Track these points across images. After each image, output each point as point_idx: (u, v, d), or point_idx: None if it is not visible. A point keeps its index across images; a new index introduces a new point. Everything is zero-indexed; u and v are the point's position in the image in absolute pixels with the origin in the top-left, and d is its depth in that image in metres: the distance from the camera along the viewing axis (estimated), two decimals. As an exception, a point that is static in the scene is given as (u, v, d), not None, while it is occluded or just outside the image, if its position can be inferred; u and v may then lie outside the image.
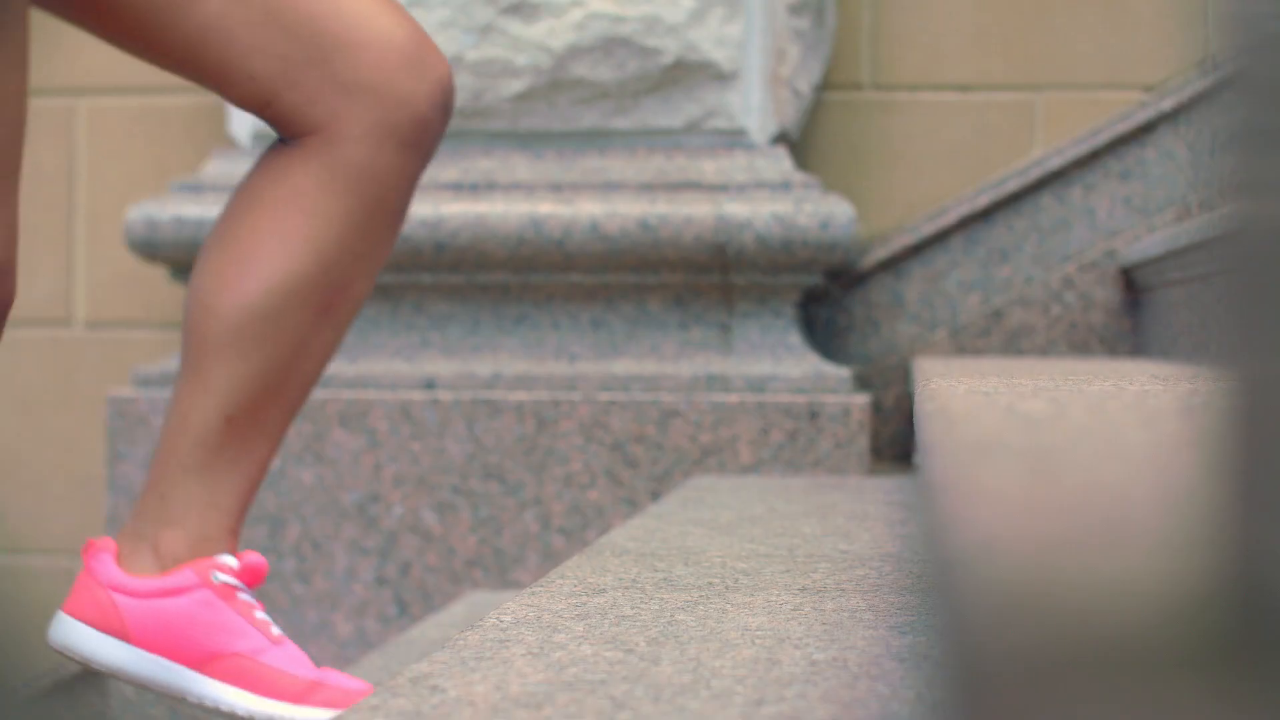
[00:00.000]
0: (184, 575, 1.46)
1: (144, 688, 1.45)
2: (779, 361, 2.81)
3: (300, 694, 1.45)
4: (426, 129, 1.49)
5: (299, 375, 1.47)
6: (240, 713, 1.45)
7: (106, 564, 1.47)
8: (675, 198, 2.81)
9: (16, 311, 3.22)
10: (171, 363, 2.90)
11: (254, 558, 1.48)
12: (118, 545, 1.48)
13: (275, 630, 1.47)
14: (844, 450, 2.75)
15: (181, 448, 1.47)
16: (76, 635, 1.48)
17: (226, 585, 1.46)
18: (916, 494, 2.31)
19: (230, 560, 1.46)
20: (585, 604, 1.38)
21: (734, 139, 2.89)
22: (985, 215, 3.06)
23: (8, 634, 1.56)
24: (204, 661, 1.45)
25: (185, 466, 1.47)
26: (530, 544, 2.75)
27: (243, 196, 1.48)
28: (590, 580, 1.51)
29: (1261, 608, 0.45)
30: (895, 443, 3.03)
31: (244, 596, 1.47)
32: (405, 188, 1.49)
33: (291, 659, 1.46)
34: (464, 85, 2.86)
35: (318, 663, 2.77)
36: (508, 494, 2.76)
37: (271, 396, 1.47)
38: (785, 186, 2.83)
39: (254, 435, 1.47)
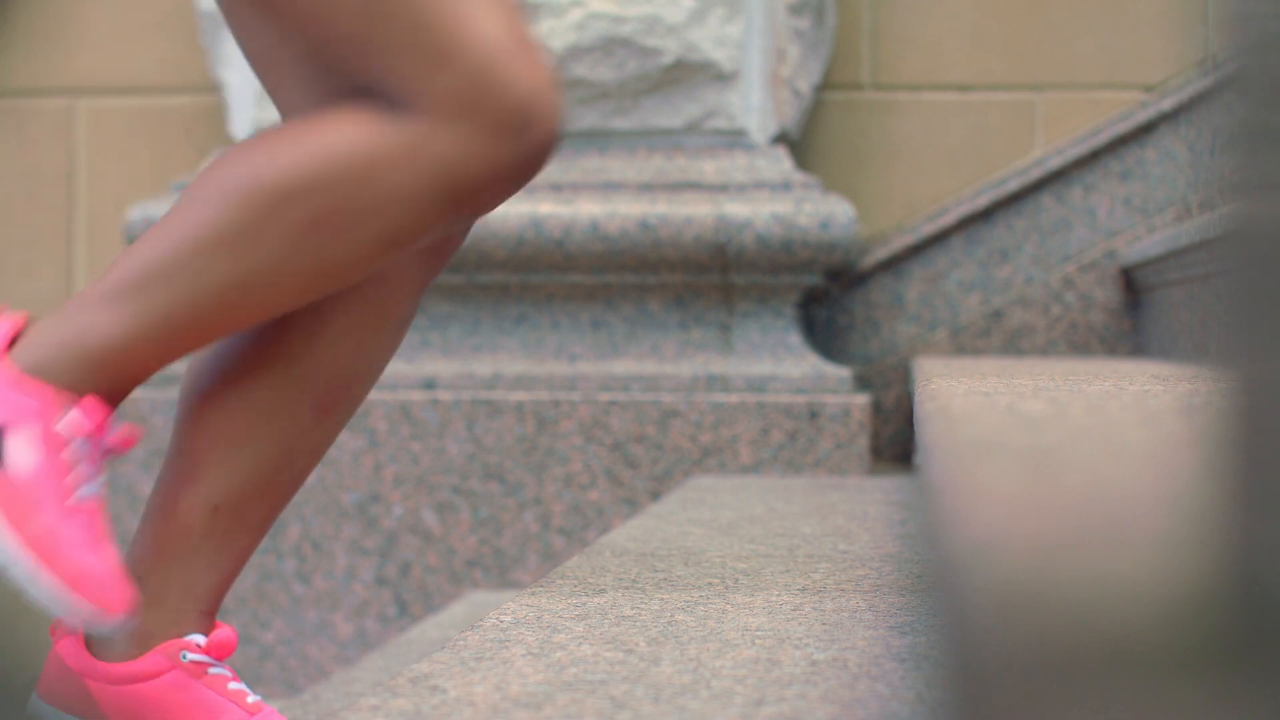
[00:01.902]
0: (153, 660, 1.45)
1: None
2: (779, 361, 2.81)
3: None
4: (449, 243, 1.49)
5: (290, 472, 1.47)
6: None
7: (74, 648, 1.46)
8: (675, 198, 2.81)
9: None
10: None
11: (223, 633, 1.46)
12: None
13: (251, 698, 1.46)
14: (844, 450, 2.75)
15: (163, 533, 1.46)
16: None
17: (196, 663, 1.45)
18: (916, 494, 2.31)
19: (198, 638, 1.45)
20: (585, 604, 1.38)
21: (734, 139, 2.89)
22: (985, 215, 3.06)
23: (8, 634, 1.55)
24: None
25: (165, 552, 1.46)
26: (530, 544, 2.75)
27: None
28: (590, 580, 1.51)
29: (1261, 608, 0.45)
30: (895, 443, 3.03)
31: (215, 670, 1.46)
32: (414, 297, 1.48)
33: None
34: (464, 85, 2.86)
35: (318, 664, 2.77)
36: (508, 494, 2.76)
37: (260, 491, 1.46)
38: (785, 186, 2.83)
39: (238, 527, 1.46)
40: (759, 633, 1.27)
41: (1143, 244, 2.85)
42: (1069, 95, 3.09)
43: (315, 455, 1.48)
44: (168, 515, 1.46)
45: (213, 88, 3.12)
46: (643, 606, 1.37)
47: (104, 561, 1.36)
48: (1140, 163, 3.05)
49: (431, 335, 2.85)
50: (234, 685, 1.46)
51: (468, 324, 2.85)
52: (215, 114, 3.16)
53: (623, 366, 2.81)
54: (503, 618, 1.32)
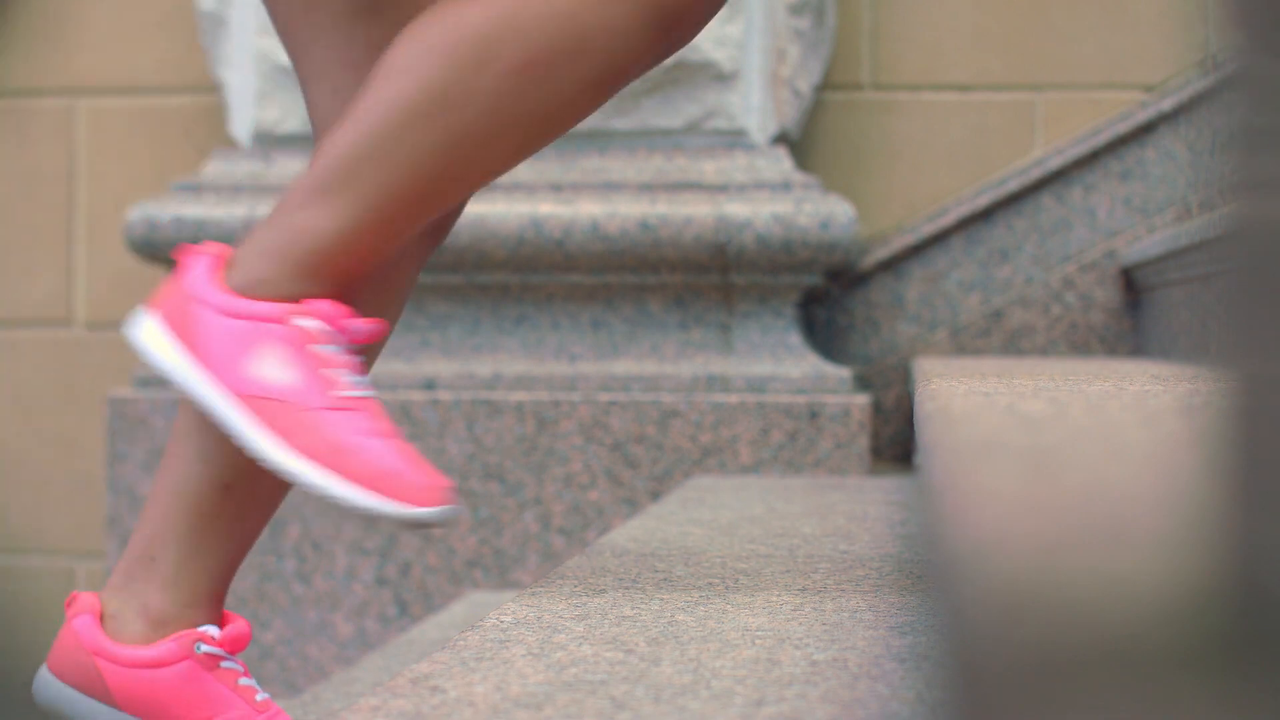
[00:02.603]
0: (167, 648, 1.44)
1: None
2: (779, 362, 2.81)
3: None
4: (447, 217, 1.50)
5: None
6: None
7: (89, 626, 1.46)
8: (675, 198, 2.81)
9: (16, 311, 3.22)
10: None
11: (238, 627, 1.46)
12: (102, 603, 1.47)
13: (259, 696, 1.46)
14: (844, 450, 2.75)
15: (175, 512, 1.45)
16: (62, 697, 1.47)
17: (209, 655, 1.45)
18: (916, 494, 2.31)
19: (213, 630, 1.45)
20: (585, 604, 1.38)
21: (734, 139, 2.89)
22: (985, 215, 3.06)
23: (8, 634, 1.55)
24: None
25: (178, 531, 1.45)
26: (530, 544, 2.75)
27: None
28: (590, 580, 1.51)
29: (1261, 608, 0.45)
30: (895, 443, 3.03)
31: (227, 664, 1.46)
32: (416, 270, 1.49)
33: None
34: (464, 85, 2.86)
35: (318, 664, 2.77)
36: (508, 494, 2.76)
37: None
38: (785, 186, 2.83)
39: (251, 503, 1.46)
40: (759, 633, 1.27)
41: (1143, 244, 2.85)
42: (1069, 95, 3.09)
43: None
44: (179, 495, 1.45)
45: (213, 88, 3.12)
46: (643, 606, 1.37)
47: (397, 454, 1.34)
48: (1140, 163, 3.05)
49: (431, 335, 2.85)
50: (244, 681, 1.46)
51: (468, 324, 2.85)
52: (215, 114, 3.16)
53: (623, 366, 2.81)
54: (503, 618, 1.32)
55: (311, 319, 1.36)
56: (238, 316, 1.37)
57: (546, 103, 1.34)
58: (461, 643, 1.22)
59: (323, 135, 1.45)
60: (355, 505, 1.32)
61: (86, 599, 1.47)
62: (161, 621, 1.45)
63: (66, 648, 1.47)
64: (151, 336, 1.39)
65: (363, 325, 1.38)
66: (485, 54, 1.33)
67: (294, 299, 1.37)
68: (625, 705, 1.04)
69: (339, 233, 1.36)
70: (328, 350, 1.36)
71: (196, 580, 1.46)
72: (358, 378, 1.38)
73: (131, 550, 1.47)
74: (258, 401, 1.35)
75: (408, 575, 2.76)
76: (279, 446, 1.34)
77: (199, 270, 1.39)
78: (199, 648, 1.44)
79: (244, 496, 1.45)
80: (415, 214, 1.37)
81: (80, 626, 1.46)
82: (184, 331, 1.38)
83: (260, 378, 1.36)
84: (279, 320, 1.36)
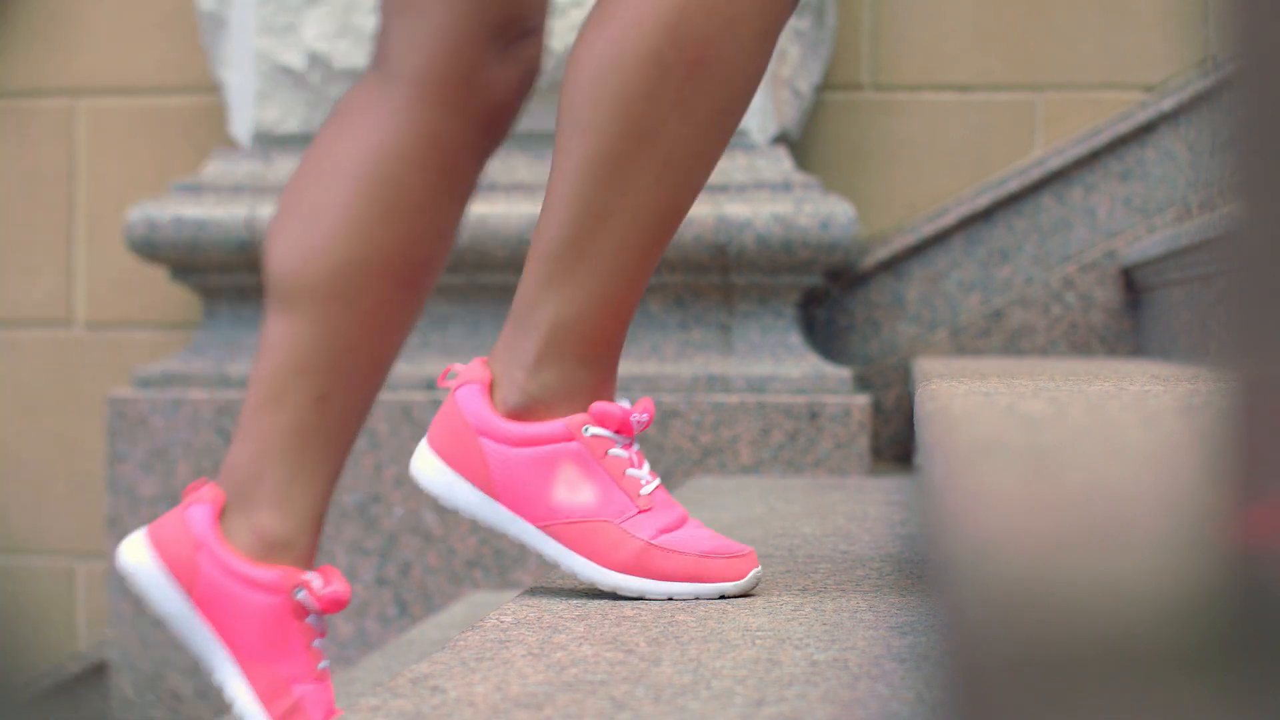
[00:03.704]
0: (270, 576, 1.43)
1: (182, 643, 1.44)
2: (779, 362, 2.81)
3: None
4: (506, 114, 1.47)
5: (385, 350, 1.46)
6: None
7: (205, 520, 1.45)
8: (675, 198, 2.81)
9: (16, 311, 3.22)
10: (172, 363, 2.89)
11: (338, 590, 1.44)
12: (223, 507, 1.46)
13: (322, 664, 1.46)
14: (844, 450, 2.75)
15: (277, 428, 1.44)
16: (147, 574, 1.46)
17: (301, 605, 1.44)
18: (916, 494, 2.31)
19: (317, 583, 1.44)
20: (585, 604, 1.38)
21: (734, 139, 2.89)
22: (985, 215, 3.06)
23: (8, 634, 1.55)
24: (247, 661, 1.44)
25: (281, 448, 1.44)
26: (530, 544, 2.75)
27: (321, 156, 1.45)
28: (590, 580, 1.51)
29: (1261, 608, 0.45)
30: (895, 443, 3.03)
31: (310, 620, 1.45)
32: (477, 166, 1.46)
33: (315, 702, 1.45)
34: (464, 85, 2.86)
35: (318, 663, 2.78)
36: (508, 494, 2.76)
37: (361, 373, 1.45)
38: (785, 187, 2.83)
39: (345, 415, 1.45)
40: (759, 633, 1.27)
41: (1143, 244, 2.85)
42: (1069, 95, 3.09)
43: (405, 332, 1.47)
44: (278, 410, 1.44)
45: (213, 88, 3.12)
46: (643, 606, 1.37)
47: (698, 539, 1.37)
48: (1140, 163, 3.05)
49: (432, 336, 2.85)
50: (316, 643, 1.45)
51: (468, 324, 2.85)
52: (215, 114, 3.16)
53: (623, 367, 2.81)
54: (503, 618, 1.32)
55: (599, 426, 1.36)
56: (527, 444, 1.37)
57: (729, 80, 1.32)
58: (461, 643, 1.22)
59: (382, 57, 1.44)
60: (680, 599, 1.37)
61: (211, 490, 1.46)
62: (272, 544, 1.44)
63: (174, 530, 1.45)
64: (437, 475, 1.39)
65: (644, 416, 1.38)
66: (659, 70, 1.30)
67: (573, 395, 1.36)
68: (625, 705, 1.04)
69: (595, 308, 1.35)
70: (620, 454, 1.37)
71: (305, 499, 1.45)
72: (645, 470, 1.38)
73: (235, 465, 1.46)
74: (564, 527, 1.37)
75: (408, 575, 2.76)
76: (595, 568, 1.37)
77: (473, 402, 1.38)
78: (298, 592, 1.44)
79: (339, 406, 1.45)
80: (655, 250, 1.36)
81: (195, 517, 1.45)
82: (471, 467, 1.38)
83: (563, 504, 1.37)
84: (570, 438, 1.36)
